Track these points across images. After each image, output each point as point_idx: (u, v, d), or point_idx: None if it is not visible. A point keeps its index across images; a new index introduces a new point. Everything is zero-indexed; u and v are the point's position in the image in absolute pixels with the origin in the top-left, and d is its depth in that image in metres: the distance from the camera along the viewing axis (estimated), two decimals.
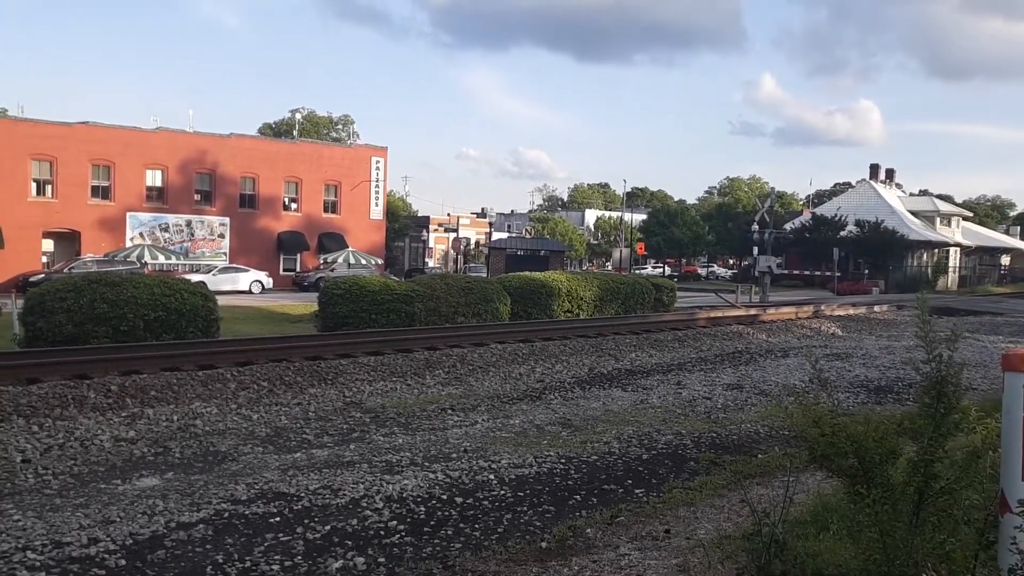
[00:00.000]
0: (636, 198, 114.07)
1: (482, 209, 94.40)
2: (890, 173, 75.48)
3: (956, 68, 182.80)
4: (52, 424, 9.34)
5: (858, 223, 59.05)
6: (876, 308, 31.74)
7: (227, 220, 47.27)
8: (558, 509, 6.86)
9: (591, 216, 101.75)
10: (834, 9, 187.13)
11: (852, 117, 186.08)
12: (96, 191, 43.18)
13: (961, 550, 3.60)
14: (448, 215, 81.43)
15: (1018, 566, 3.36)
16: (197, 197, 46.63)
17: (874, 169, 73.56)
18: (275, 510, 6.53)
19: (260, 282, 41.44)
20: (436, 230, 74.29)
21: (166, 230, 45.49)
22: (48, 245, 42.64)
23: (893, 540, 3.59)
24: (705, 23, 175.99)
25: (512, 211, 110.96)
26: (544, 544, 5.87)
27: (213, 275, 38.95)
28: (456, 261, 58.77)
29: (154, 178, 45.14)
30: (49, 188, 41.92)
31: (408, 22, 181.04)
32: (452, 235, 62.08)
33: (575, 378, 14.52)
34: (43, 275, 33.85)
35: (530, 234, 76.09)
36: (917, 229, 63.82)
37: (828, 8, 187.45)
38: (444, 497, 6.98)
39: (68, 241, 42.76)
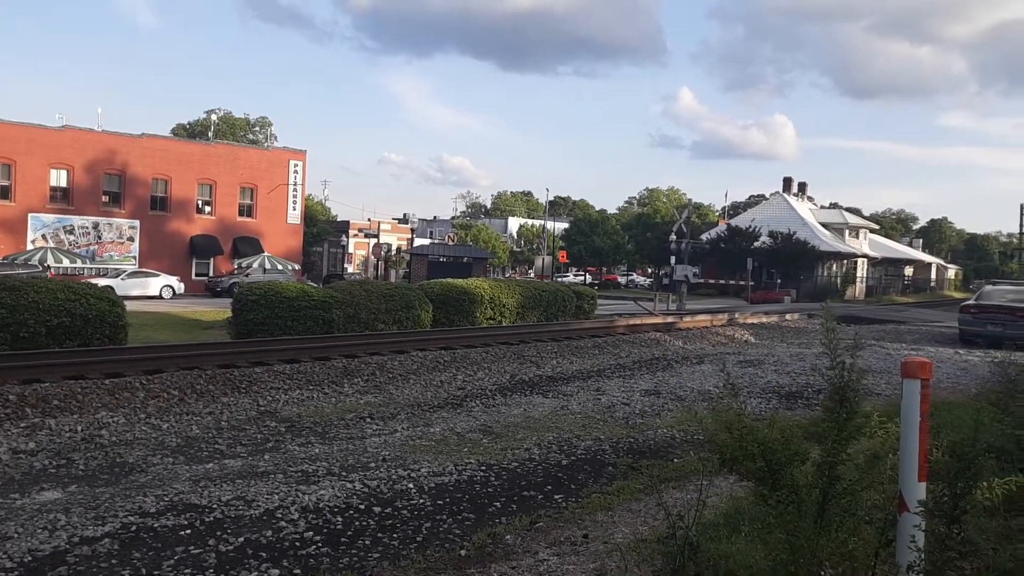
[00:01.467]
0: (558, 207, 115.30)
1: (404, 215, 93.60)
2: (802, 186, 78.24)
3: (865, 87, 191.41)
4: None
5: (771, 234, 60.98)
6: (788, 316, 32.81)
7: (137, 223, 45.68)
8: (478, 517, 6.85)
9: (514, 224, 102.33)
10: (751, 27, 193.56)
11: (767, 131, 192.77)
12: None
13: (863, 548, 3.74)
14: (369, 220, 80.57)
15: (916, 563, 3.51)
16: (105, 198, 44.93)
17: (787, 182, 76.14)
18: (186, 522, 6.32)
19: (171, 287, 40.18)
20: (356, 235, 73.40)
21: (71, 232, 43.65)
22: None
23: (799, 540, 3.69)
24: (626, 37, 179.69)
25: (435, 217, 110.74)
26: (463, 552, 5.85)
27: (122, 279, 37.61)
28: (377, 267, 58.17)
29: (59, 178, 43.29)
30: None
31: (330, 25, 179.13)
32: (373, 240, 61.44)
33: (497, 385, 14.54)
34: None
35: (453, 241, 75.95)
36: (827, 241, 66.28)
37: (745, 26, 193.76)
38: (362, 507, 6.88)
39: None
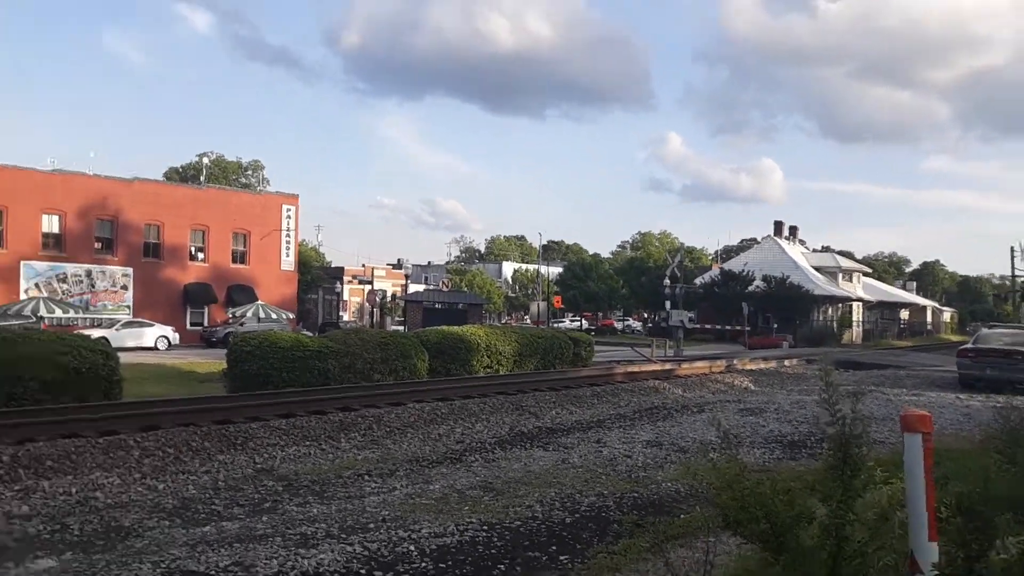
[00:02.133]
0: (552, 251, 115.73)
1: (398, 260, 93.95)
2: (793, 230, 78.79)
3: (849, 130, 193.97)
4: None
5: (765, 278, 61.19)
6: (786, 362, 32.71)
7: (130, 270, 45.46)
8: None
9: (508, 269, 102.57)
10: (735, 71, 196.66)
11: (755, 175, 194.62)
12: None
13: None
14: (363, 266, 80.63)
15: None
16: (98, 245, 44.76)
17: (778, 226, 76.69)
18: None
19: (166, 337, 39.93)
20: (351, 282, 73.34)
21: (64, 280, 43.42)
22: None
23: None
24: (614, 81, 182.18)
25: (429, 263, 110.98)
26: None
27: (116, 330, 37.37)
28: (372, 314, 58.04)
29: (51, 224, 43.11)
30: None
31: (320, 67, 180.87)
32: (367, 287, 61.40)
33: (496, 438, 14.36)
34: None
35: (447, 287, 75.95)
36: (821, 284, 66.53)
37: (729, 70, 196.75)
38: (363, 571, 6.71)
39: None
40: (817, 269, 70.88)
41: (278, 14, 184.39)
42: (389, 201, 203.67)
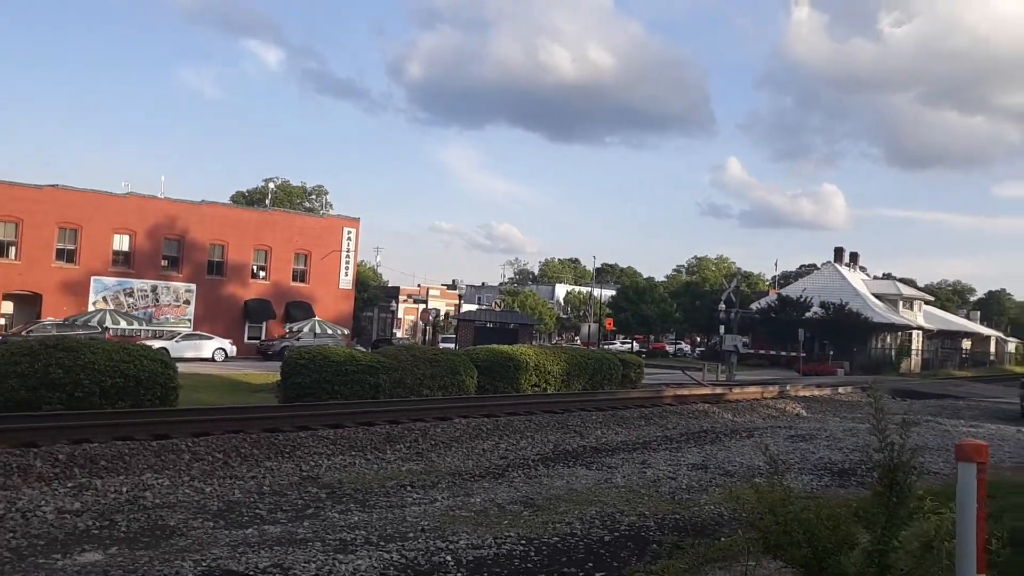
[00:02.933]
0: (606, 274, 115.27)
1: (453, 281, 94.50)
2: (854, 256, 77.13)
3: (915, 157, 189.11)
4: None
5: (823, 305, 59.97)
6: (840, 389, 31.97)
7: (193, 286, 46.82)
8: None
9: (561, 291, 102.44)
10: (799, 97, 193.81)
11: (816, 201, 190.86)
12: (61, 254, 42.67)
13: None
14: (418, 286, 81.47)
15: None
16: (164, 263, 46.23)
17: (838, 252, 75.14)
18: None
19: (224, 350, 40.85)
20: (406, 301, 74.16)
21: (130, 295, 44.87)
22: (8, 307, 41.81)
23: None
24: (675, 108, 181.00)
25: (483, 284, 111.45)
26: None
27: (176, 342, 38.36)
28: (425, 332, 58.54)
29: (121, 243, 44.75)
30: (13, 250, 41.37)
31: (385, 98, 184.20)
32: (422, 306, 61.98)
33: (539, 455, 14.34)
34: (0, 338, 33.09)
35: (500, 307, 76.20)
36: (880, 312, 64.90)
37: (793, 96, 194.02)
38: None
39: (29, 304, 41.98)
40: (877, 297, 69.18)
41: (345, 48, 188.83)
42: (446, 224, 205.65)
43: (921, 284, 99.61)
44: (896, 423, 3.80)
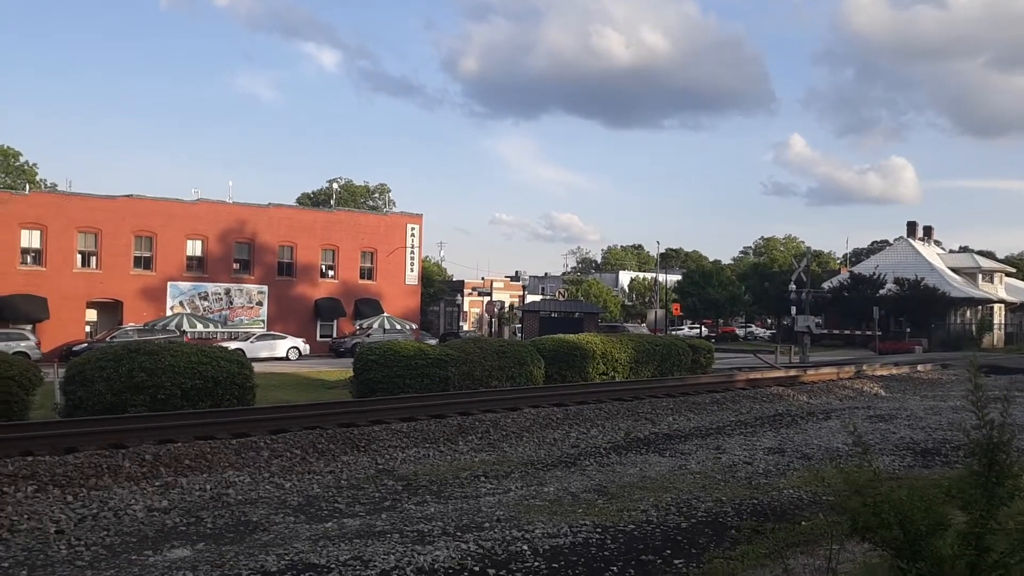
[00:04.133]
0: (670, 259, 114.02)
1: (516, 272, 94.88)
2: (928, 230, 74.59)
3: (988, 125, 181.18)
4: (87, 494, 9.36)
5: (897, 281, 58.21)
6: (920, 367, 31.00)
7: (265, 288, 48.00)
8: None
9: (625, 278, 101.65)
10: (860, 70, 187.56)
11: (885, 175, 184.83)
12: (138, 261, 44.24)
13: None
14: (482, 279, 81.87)
15: None
16: (236, 266, 47.50)
17: (911, 226, 72.75)
18: None
19: (297, 348, 41.80)
20: (470, 294, 74.61)
21: (205, 298, 46.27)
22: (92, 315, 43.56)
23: None
24: (732, 87, 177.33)
25: (546, 274, 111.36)
26: None
27: (251, 342, 39.41)
28: (490, 324, 58.82)
29: (194, 248, 46.15)
30: (94, 259, 43.05)
31: (440, 93, 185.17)
32: (486, 298, 62.29)
33: (611, 443, 14.27)
34: (86, 344, 34.50)
35: (563, 296, 76.06)
36: (958, 286, 62.67)
37: (854, 69, 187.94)
38: (476, 569, 6.81)
39: (111, 310, 43.66)
40: (954, 270, 66.77)
41: (400, 47, 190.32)
42: (507, 217, 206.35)
43: (1001, 256, 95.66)
44: (994, 397, 3.64)
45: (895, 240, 75.41)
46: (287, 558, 7.05)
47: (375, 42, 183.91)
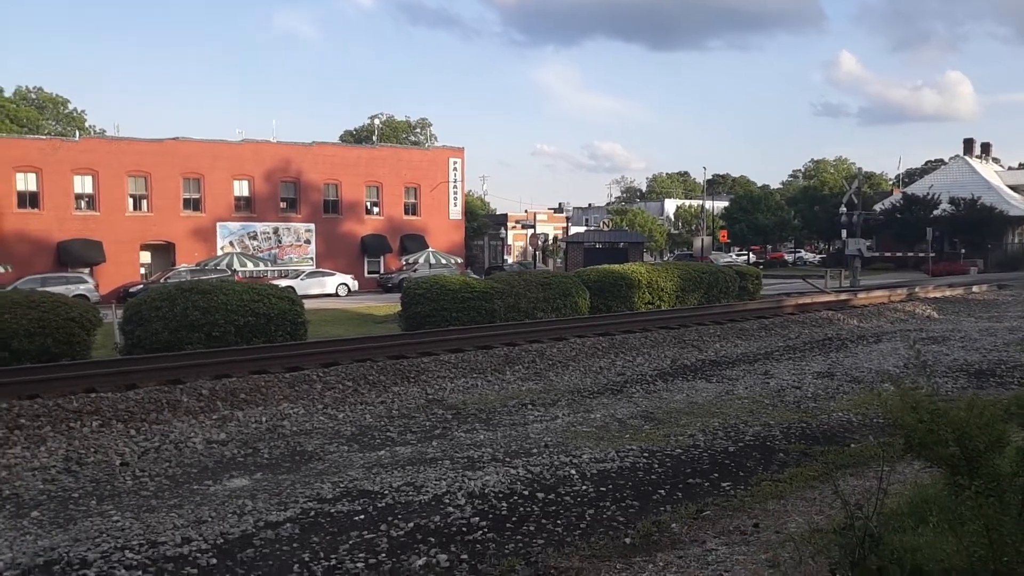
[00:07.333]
0: (717, 185, 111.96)
1: (559, 204, 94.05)
2: (986, 147, 71.84)
3: None
4: (148, 428, 9.72)
5: (952, 201, 56.45)
6: (975, 288, 30.25)
7: (312, 226, 48.47)
8: (642, 504, 6.74)
9: (671, 206, 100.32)
10: None
11: (941, 91, 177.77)
12: (188, 203, 44.89)
13: None
14: (525, 212, 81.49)
15: None
16: (283, 205, 47.96)
17: (968, 144, 70.11)
18: (360, 508, 6.62)
19: (346, 285, 42.36)
20: (514, 227, 74.42)
21: (254, 238, 46.93)
22: (146, 257, 44.55)
23: (1000, 535, 3.35)
24: (779, 4, 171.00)
25: (590, 205, 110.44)
26: (628, 540, 5.77)
27: (301, 280, 40.01)
28: (535, 257, 58.77)
29: (241, 188, 46.62)
30: (144, 203, 43.81)
31: (479, 23, 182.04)
32: (530, 231, 62.11)
33: (657, 370, 14.29)
34: (141, 286, 35.39)
35: (608, 227, 75.44)
36: (1018, 204, 60.59)
37: None
38: (526, 493, 6.94)
39: (164, 252, 44.59)
40: (1013, 188, 64.46)
41: None
42: (549, 148, 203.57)
43: None
44: None
45: (951, 159, 72.90)
46: (342, 485, 7.27)
47: None
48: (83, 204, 42.34)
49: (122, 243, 42.13)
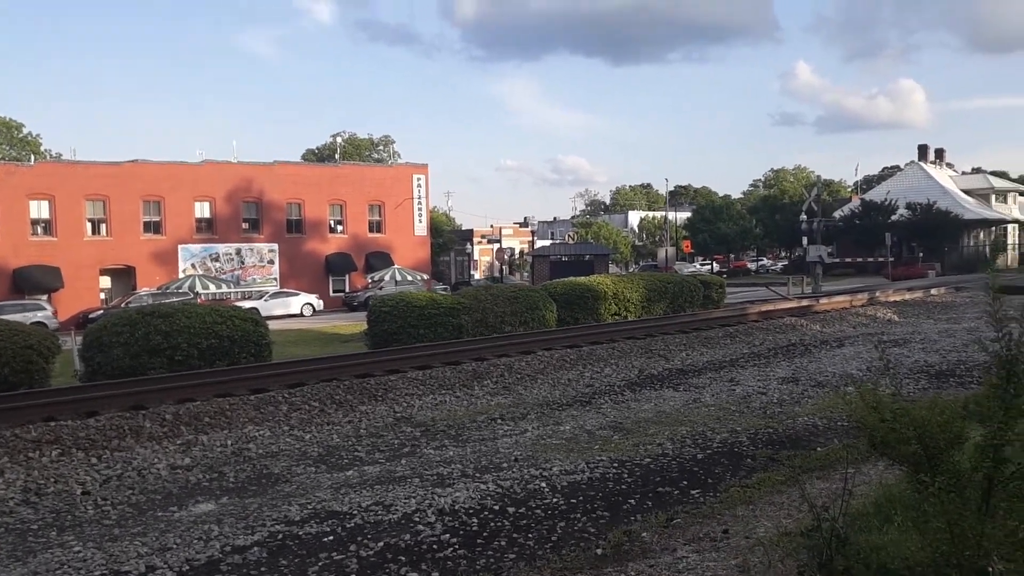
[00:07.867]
0: (680, 196, 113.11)
1: (524, 218, 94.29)
2: (939, 153, 73.51)
3: (1000, 41, 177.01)
4: (110, 455, 9.52)
5: (909, 206, 57.62)
6: (933, 291, 30.87)
7: (275, 246, 48.02)
8: (612, 514, 6.75)
9: (635, 218, 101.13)
10: None
11: (895, 99, 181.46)
12: (148, 226, 44.23)
13: None
14: (491, 227, 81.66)
15: None
16: (245, 225, 47.45)
17: (922, 150, 71.72)
18: (328, 529, 6.54)
19: (311, 304, 41.96)
20: (480, 242, 74.54)
21: (217, 259, 46.36)
22: (106, 282, 43.76)
23: (961, 529, 3.40)
24: (735, 16, 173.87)
25: (555, 218, 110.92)
26: (599, 551, 5.77)
27: (265, 300, 39.56)
28: (501, 271, 58.81)
29: (203, 210, 46.07)
30: (104, 226, 43.07)
31: (438, 39, 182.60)
32: (496, 246, 62.19)
33: (625, 381, 14.35)
34: (102, 311, 34.76)
35: (573, 240, 75.79)
36: (972, 208, 62.02)
37: None
38: (496, 508, 6.92)
39: (124, 276, 43.85)
40: (967, 192, 65.98)
41: None
42: (512, 163, 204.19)
43: (1014, 176, 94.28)
44: (1011, 317, 3.61)
45: (906, 165, 74.45)
46: (309, 507, 7.17)
47: None
48: (39, 229, 41.53)
49: (81, 268, 41.34)
